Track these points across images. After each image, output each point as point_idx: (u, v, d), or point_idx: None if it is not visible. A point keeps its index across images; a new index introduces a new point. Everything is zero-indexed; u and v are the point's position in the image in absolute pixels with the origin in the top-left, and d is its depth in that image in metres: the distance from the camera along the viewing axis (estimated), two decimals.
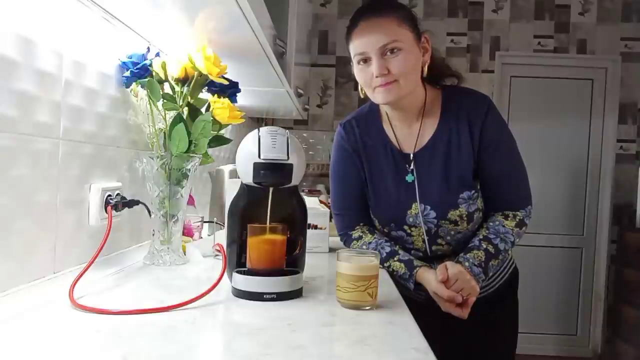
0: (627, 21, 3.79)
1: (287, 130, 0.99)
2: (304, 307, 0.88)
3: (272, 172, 0.94)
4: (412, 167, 1.29)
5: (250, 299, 0.90)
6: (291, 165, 0.95)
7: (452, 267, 1.17)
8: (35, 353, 0.62)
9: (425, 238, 1.30)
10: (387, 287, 1.04)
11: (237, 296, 0.92)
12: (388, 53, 1.17)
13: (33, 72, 0.83)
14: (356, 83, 1.26)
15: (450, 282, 1.16)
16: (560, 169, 3.86)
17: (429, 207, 1.27)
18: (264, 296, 0.90)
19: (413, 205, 1.28)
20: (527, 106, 3.83)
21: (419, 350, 0.68)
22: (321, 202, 2.91)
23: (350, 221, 1.36)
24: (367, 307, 0.88)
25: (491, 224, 1.27)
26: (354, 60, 1.23)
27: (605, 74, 3.82)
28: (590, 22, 3.79)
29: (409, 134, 1.31)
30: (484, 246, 1.22)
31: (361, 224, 1.36)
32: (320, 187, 3.49)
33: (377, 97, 1.23)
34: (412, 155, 1.29)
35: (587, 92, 3.85)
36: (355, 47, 1.20)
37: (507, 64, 3.84)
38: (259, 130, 0.97)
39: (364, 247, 1.30)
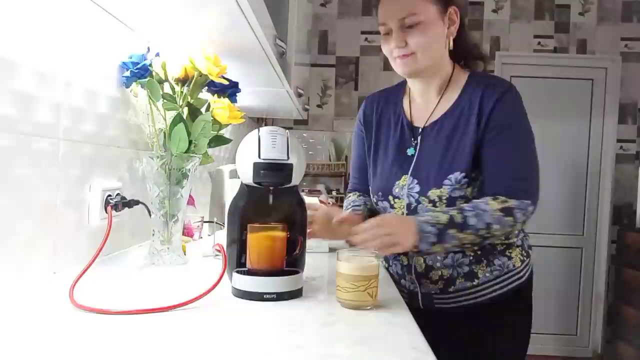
0: (627, 21, 3.79)
1: (287, 130, 0.99)
2: (304, 307, 0.88)
3: (272, 172, 0.94)
4: (417, 141, 1.28)
5: (250, 299, 0.90)
6: (291, 165, 0.95)
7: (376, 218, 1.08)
8: (35, 353, 0.62)
9: (405, 212, 1.26)
10: (387, 287, 1.04)
11: (237, 296, 0.92)
12: (407, 25, 1.18)
13: (33, 72, 0.83)
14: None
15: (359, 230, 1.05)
16: (560, 169, 3.86)
17: (415, 181, 1.24)
18: (264, 296, 0.90)
19: (402, 177, 1.27)
20: (527, 106, 3.81)
21: (419, 350, 0.68)
22: (321, 202, 2.91)
23: (352, 186, 1.48)
24: (367, 307, 0.88)
25: (475, 200, 1.17)
26: (380, 30, 1.24)
27: (605, 74, 3.82)
28: (590, 22, 3.80)
29: (425, 108, 1.30)
30: (452, 213, 1.11)
31: (360, 192, 1.44)
32: (320, 187, 3.50)
33: (397, 68, 1.24)
34: (420, 130, 1.29)
35: (587, 92, 3.85)
36: (379, 16, 1.22)
37: (507, 64, 3.84)
38: (259, 130, 0.97)
39: (348, 205, 1.41)
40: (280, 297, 0.90)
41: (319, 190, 3.31)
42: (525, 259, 1.29)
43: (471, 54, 1.32)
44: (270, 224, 0.98)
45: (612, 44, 3.78)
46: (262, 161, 0.93)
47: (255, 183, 0.96)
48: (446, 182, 1.20)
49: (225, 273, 0.96)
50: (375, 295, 0.88)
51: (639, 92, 3.79)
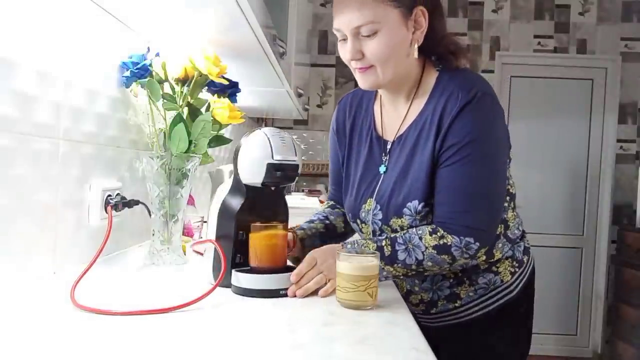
0: (627, 21, 3.79)
1: (286, 131, 1.00)
2: (304, 307, 0.88)
3: (284, 172, 0.96)
4: (386, 157, 1.15)
5: (263, 297, 0.91)
6: (298, 165, 0.98)
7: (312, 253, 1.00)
8: (35, 353, 0.62)
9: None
10: (387, 287, 1.04)
11: (245, 295, 0.92)
12: (363, 34, 1.02)
13: (33, 72, 0.83)
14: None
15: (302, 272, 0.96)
16: (560, 169, 3.86)
17: (378, 207, 1.12)
18: (280, 292, 0.92)
19: (368, 201, 1.15)
20: (527, 106, 3.84)
21: (419, 350, 0.68)
22: (321, 202, 2.91)
23: (330, 196, 1.36)
24: (367, 307, 0.87)
25: (412, 230, 1.04)
26: (335, 33, 1.09)
27: (605, 74, 3.82)
28: (590, 22, 3.80)
29: (395, 117, 1.16)
30: (382, 244, 1.01)
31: (335, 202, 1.33)
32: (320, 187, 3.50)
33: (358, 80, 1.10)
34: (389, 144, 1.15)
35: (587, 92, 3.85)
36: (334, 22, 1.06)
37: (507, 64, 3.84)
38: (264, 131, 0.98)
39: (312, 216, 1.30)
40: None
41: (319, 191, 3.31)
42: (516, 270, 1.17)
43: (444, 48, 1.12)
44: (272, 223, 0.99)
45: (612, 44, 3.78)
46: (276, 162, 0.95)
47: (266, 183, 0.97)
48: (405, 211, 1.06)
49: (213, 275, 0.96)
50: (375, 295, 0.88)
51: (639, 92, 3.80)
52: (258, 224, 0.97)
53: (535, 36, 3.82)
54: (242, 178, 0.98)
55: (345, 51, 1.06)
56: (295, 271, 0.94)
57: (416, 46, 1.07)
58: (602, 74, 3.83)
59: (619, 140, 3.81)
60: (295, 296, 0.92)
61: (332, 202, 1.35)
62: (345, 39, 1.06)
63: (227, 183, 1.02)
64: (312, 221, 1.26)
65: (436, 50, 1.12)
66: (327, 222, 1.27)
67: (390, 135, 1.16)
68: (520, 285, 1.19)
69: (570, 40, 3.81)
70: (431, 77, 1.11)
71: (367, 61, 1.04)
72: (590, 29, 3.80)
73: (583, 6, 3.79)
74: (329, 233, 1.26)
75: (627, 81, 3.78)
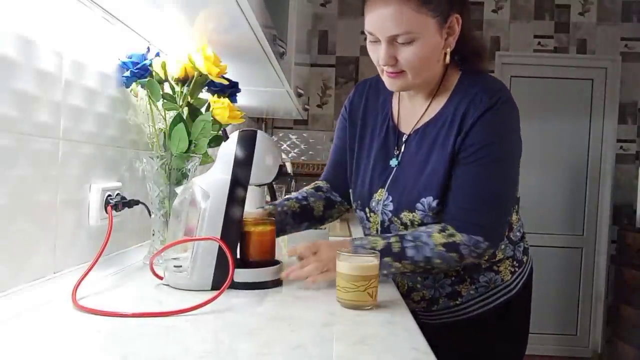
0: (627, 21, 3.79)
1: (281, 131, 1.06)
2: (304, 307, 0.88)
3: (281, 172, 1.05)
4: (400, 150, 1.16)
5: (274, 287, 0.98)
6: None
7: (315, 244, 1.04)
8: (35, 353, 0.62)
9: (379, 229, 1.18)
10: (387, 287, 1.04)
11: (255, 289, 0.95)
12: (399, 41, 1.02)
13: (33, 72, 0.83)
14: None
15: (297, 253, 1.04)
16: (560, 169, 3.86)
17: (390, 198, 1.14)
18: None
19: (379, 191, 1.16)
20: (527, 106, 3.82)
21: (419, 350, 0.68)
22: None
23: (322, 175, 1.36)
24: (367, 307, 0.88)
25: (422, 227, 1.07)
26: (366, 33, 1.08)
27: (605, 74, 3.82)
28: (590, 22, 3.80)
29: (412, 112, 1.17)
30: (392, 240, 1.03)
31: (324, 183, 1.33)
32: None
33: (385, 82, 1.11)
34: (405, 137, 1.16)
35: (587, 92, 3.85)
36: (366, 23, 1.05)
37: (507, 64, 3.84)
38: (267, 136, 1.03)
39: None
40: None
41: None
42: (516, 269, 1.20)
43: (470, 49, 1.14)
44: (264, 218, 1.06)
45: (612, 44, 3.78)
46: (282, 163, 1.04)
47: (272, 182, 1.05)
48: (418, 206, 1.08)
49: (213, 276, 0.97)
50: (375, 295, 0.88)
51: (639, 92, 3.80)
52: (254, 219, 1.03)
53: (535, 36, 3.82)
54: (256, 178, 1.00)
55: (377, 55, 1.06)
56: (292, 247, 1.03)
57: (449, 50, 1.08)
58: (602, 74, 3.83)
59: (619, 140, 3.81)
60: (287, 277, 1.00)
61: (318, 184, 1.33)
62: (377, 42, 1.05)
63: (201, 177, 1.02)
64: (288, 199, 1.25)
65: (462, 51, 1.13)
66: (305, 202, 1.26)
67: (406, 128, 1.17)
68: (520, 284, 1.21)
69: (570, 40, 3.81)
70: (453, 77, 1.13)
71: (400, 67, 1.05)
72: (590, 29, 3.80)
73: (583, 6, 3.79)
74: (305, 214, 1.25)
75: (627, 81, 3.78)
